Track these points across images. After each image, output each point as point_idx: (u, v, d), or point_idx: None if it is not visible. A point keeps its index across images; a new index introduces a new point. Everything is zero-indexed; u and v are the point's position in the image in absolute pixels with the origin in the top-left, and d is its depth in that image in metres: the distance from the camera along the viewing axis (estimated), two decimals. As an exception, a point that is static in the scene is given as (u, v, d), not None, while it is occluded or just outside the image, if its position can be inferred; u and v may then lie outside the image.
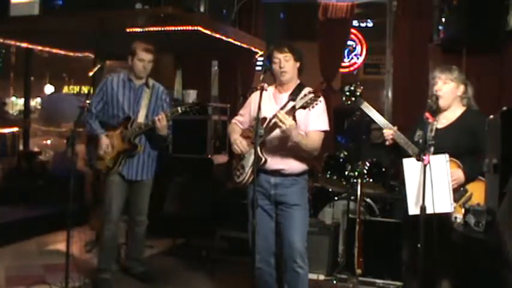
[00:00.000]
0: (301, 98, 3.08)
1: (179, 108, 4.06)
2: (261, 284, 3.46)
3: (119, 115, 4.19)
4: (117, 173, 4.17)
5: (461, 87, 3.33)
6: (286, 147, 3.28)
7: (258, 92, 3.44)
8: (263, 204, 3.38)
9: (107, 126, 4.22)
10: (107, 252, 4.26)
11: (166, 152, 6.17)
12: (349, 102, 3.36)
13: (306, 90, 3.30)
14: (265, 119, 3.26)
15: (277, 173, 3.33)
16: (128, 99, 4.20)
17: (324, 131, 3.36)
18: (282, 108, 3.25)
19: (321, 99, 3.11)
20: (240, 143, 3.41)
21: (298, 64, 3.39)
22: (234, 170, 3.46)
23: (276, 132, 3.21)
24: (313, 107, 3.07)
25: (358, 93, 3.32)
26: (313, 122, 3.30)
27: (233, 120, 3.70)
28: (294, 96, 3.30)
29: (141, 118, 4.16)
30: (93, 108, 4.22)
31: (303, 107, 3.07)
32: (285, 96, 3.38)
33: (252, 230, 3.04)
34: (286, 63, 3.33)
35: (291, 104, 3.23)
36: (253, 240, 3.05)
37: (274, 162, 3.28)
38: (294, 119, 3.12)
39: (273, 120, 3.17)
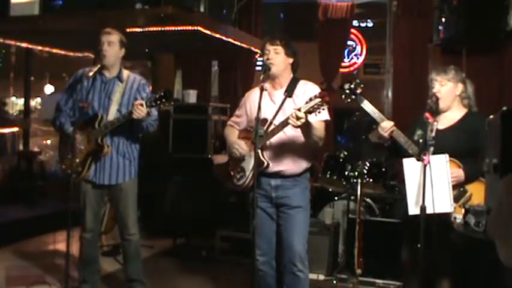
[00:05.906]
0: (307, 102, 2.94)
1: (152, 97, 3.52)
2: (263, 286, 3.43)
3: (88, 113, 3.75)
4: (87, 178, 3.77)
5: (460, 86, 3.31)
6: (286, 148, 3.24)
7: (253, 91, 3.40)
8: (265, 207, 3.32)
9: (79, 126, 3.75)
10: (86, 262, 3.92)
11: (166, 152, 6.21)
12: (348, 100, 3.32)
13: (302, 84, 3.27)
14: (265, 120, 3.19)
15: (277, 175, 3.27)
16: (98, 95, 3.77)
17: (325, 121, 3.26)
18: (280, 107, 3.20)
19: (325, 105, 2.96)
20: (238, 146, 3.35)
21: (290, 60, 3.29)
22: (233, 172, 3.38)
23: (276, 134, 3.16)
24: (319, 112, 2.93)
25: (358, 91, 3.29)
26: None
27: (229, 122, 3.61)
28: (289, 92, 3.24)
29: (111, 115, 3.72)
30: (63, 106, 3.87)
31: (309, 112, 2.92)
32: (280, 92, 3.29)
33: (252, 231, 3.00)
34: (276, 55, 3.22)
35: (288, 100, 3.19)
36: (253, 241, 3.02)
37: (273, 165, 3.22)
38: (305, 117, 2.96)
39: (282, 120, 3.09)
